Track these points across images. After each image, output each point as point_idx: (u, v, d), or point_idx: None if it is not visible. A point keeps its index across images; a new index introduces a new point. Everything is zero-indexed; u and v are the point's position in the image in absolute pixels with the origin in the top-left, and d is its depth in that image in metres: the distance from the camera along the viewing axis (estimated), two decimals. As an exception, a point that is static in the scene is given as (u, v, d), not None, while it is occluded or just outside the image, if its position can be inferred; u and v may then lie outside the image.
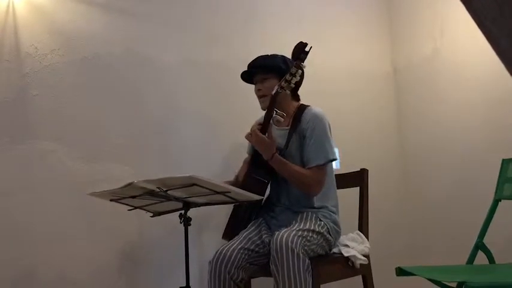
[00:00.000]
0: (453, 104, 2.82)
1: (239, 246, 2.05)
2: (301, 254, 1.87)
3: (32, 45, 2.25)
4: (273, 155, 2.10)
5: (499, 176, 2.23)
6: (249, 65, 2.31)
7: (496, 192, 2.20)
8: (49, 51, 2.29)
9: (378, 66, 3.18)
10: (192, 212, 1.87)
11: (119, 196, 1.85)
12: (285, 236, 1.90)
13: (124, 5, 2.48)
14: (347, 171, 2.46)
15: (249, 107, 2.63)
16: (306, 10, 2.96)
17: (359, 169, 2.40)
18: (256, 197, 1.92)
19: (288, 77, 2.07)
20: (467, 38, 2.71)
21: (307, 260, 1.89)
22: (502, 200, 2.18)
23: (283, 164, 2.11)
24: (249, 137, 2.18)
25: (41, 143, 2.23)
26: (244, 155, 2.39)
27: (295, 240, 1.89)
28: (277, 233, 1.95)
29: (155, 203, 1.90)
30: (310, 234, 2.00)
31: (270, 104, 2.14)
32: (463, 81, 2.77)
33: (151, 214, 2.02)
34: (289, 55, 2.19)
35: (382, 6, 3.25)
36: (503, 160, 2.25)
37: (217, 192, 1.80)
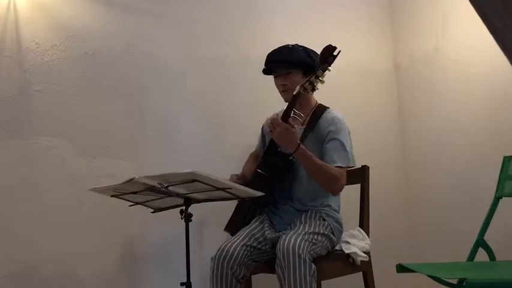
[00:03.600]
0: (455, 101, 2.81)
1: (241, 243, 2.05)
2: (307, 259, 1.88)
3: (33, 40, 2.25)
4: (299, 145, 2.03)
5: (500, 174, 2.23)
6: (271, 59, 2.25)
7: (497, 189, 2.20)
8: (50, 46, 2.28)
9: (379, 64, 3.17)
10: (193, 208, 1.87)
11: (120, 192, 1.85)
12: (292, 240, 1.91)
13: (125, 1, 2.48)
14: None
15: (251, 103, 2.63)
16: (307, 7, 2.95)
17: (360, 166, 2.40)
18: (258, 193, 1.92)
19: (313, 79, 2.01)
20: (469, 35, 2.70)
21: (313, 266, 1.90)
22: (503, 198, 2.18)
23: (308, 156, 2.05)
24: (271, 133, 2.06)
25: (42, 139, 2.22)
26: (247, 151, 2.38)
27: (302, 245, 1.90)
28: (283, 236, 1.95)
29: (156, 199, 1.90)
30: (316, 237, 2.01)
31: (290, 103, 2.06)
32: (465, 78, 2.76)
33: (152, 210, 2.02)
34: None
35: (384, 3, 3.23)
36: (504, 157, 2.25)
37: (218, 189, 1.80)
